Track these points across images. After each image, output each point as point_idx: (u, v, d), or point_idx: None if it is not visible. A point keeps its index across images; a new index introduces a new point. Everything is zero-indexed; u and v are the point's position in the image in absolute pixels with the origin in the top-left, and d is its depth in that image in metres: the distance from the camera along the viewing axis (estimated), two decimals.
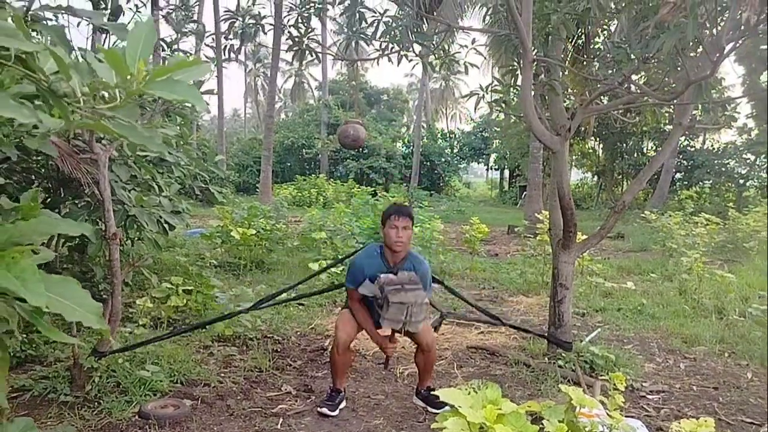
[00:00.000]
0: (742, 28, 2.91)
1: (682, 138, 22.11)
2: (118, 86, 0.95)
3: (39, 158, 4.74)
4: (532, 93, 4.28)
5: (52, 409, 3.32)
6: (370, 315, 3.62)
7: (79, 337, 3.97)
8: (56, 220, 1.36)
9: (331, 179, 25.84)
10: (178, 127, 6.17)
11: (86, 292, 1.13)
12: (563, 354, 4.46)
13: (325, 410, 3.54)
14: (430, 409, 3.67)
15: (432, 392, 3.70)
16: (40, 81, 0.95)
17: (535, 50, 4.46)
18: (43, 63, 0.98)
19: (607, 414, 2.69)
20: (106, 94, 0.95)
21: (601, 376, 4.13)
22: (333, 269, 6.14)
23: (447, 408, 3.57)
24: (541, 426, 2.21)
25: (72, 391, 3.47)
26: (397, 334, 3.56)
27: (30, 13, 1.84)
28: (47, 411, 3.30)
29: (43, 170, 4.98)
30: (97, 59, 0.98)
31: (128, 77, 0.92)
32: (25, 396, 3.47)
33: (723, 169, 20.60)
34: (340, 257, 6.41)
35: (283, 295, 4.50)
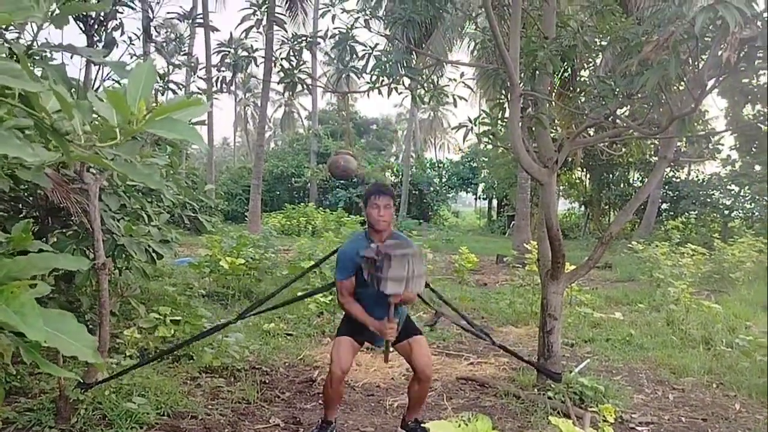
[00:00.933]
0: (723, 65, 3.01)
1: (668, 169, 22.39)
2: (120, 125, 0.98)
3: (27, 187, 4.74)
4: (520, 126, 4.36)
5: None
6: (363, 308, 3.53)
7: (65, 369, 3.91)
8: (54, 255, 1.38)
9: (321, 208, 25.85)
10: (168, 157, 6.20)
11: (82, 326, 1.14)
12: (553, 385, 4.46)
13: None
14: None
15: (421, 425, 3.68)
16: (43, 120, 0.97)
17: (523, 84, 4.54)
18: (46, 101, 1.01)
19: None
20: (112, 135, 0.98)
21: (591, 407, 4.14)
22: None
23: None
24: None
25: (57, 423, 3.42)
26: (391, 354, 3.54)
27: (31, 51, 1.87)
28: None
29: (31, 199, 4.98)
30: (97, 98, 1.01)
31: (129, 116, 0.95)
32: (10, 429, 3.40)
33: (708, 200, 20.85)
34: (325, 284, 6.30)
35: (270, 303, 4.41)
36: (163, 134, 0.97)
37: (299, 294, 6.10)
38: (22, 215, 5.09)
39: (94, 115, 1.04)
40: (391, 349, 3.52)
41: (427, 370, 3.55)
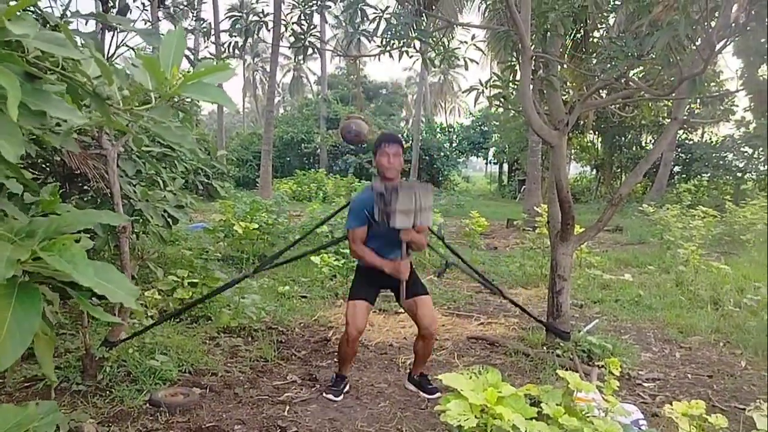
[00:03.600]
0: (733, 25, 3.01)
1: (681, 131, 22.20)
2: (155, 90, 1.04)
3: (45, 153, 4.82)
4: (531, 88, 4.37)
5: (65, 397, 3.42)
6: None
7: (90, 329, 4.06)
8: (96, 211, 1.46)
9: (331, 174, 25.90)
10: (180, 123, 6.27)
11: (124, 276, 1.23)
12: (561, 344, 4.56)
13: (330, 396, 3.70)
14: (422, 394, 3.80)
15: (425, 377, 3.89)
16: (85, 85, 1.04)
17: (534, 46, 4.54)
18: (86, 68, 1.07)
19: (603, 398, 2.79)
20: (149, 98, 1.05)
21: (599, 364, 4.25)
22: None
23: (439, 394, 3.70)
24: (539, 408, 2.31)
25: (84, 380, 3.57)
26: (400, 312, 3.62)
27: (63, 19, 1.92)
28: (61, 399, 3.39)
29: (49, 165, 5.07)
30: (132, 65, 1.08)
31: (163, 81, 1.01)
32: (38, 385, 3.57)
33: (721, 162, 20.70)
34: (335, 238, 6.30)
35: (287, 254, 4.52)
36: (197, 97, 1.03)
37: (312, 258, 6.22)
38: (40, 181, 5.20)
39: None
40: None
41: (431, 327, 3.69)
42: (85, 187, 5.13)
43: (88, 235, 5.04)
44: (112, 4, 3.61)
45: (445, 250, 4.89)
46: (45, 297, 1.28)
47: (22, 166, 4.80)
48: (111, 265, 1.21)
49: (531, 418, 2.17)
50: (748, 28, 2.89)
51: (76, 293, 1.23)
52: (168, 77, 1.01)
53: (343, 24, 5.21)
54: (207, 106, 58.29)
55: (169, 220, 5.23)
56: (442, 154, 32.08)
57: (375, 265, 3.56)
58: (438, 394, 3.75)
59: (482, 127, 33.31)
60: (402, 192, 3.23)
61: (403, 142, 3.70)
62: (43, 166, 5.09)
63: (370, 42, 5.16)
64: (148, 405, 3.42)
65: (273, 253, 8.40)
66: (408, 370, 4.19)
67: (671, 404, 2.58)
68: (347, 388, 3.84)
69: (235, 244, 8.32)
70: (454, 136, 34.58)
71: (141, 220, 5.41)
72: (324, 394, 3.72)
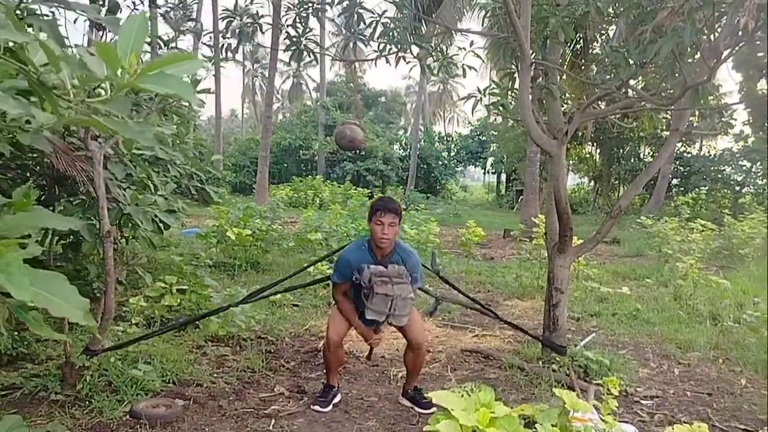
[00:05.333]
0: (740, 33, 2.92)
1: (679, 144, 22.17)
2: (109, 79, 0.94)
3: (34, 155, 4.72)
4: (530, 96, 4.28)
5: (43, 407, 3.30)
6: (356, 308, 3.65)
7: (72, 336, 3.94)
8: (44, 214, 1.35)
9: (328, 181, 25.81)
10: (175, 126, 6.15)
11: (74, 288, 1.12)
12: (557, 358, 4.45)
13: (317, 407, 3.60)
14: (416, 409, 3.69)
15: (419, 392, 3.75)
16: (30, 73, 0.93)
17: (534, 54, 4.45)
18: (33, 55, 0.97)
19: (601, 418, 2.68)
20: (102, 91, 0.95)
21: (595, 380, 4.13)
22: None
23: (434, 409, 3.59)
24: (533, 430, 2.20)
25: (63, 389, 3.45)
26: (388, 328, 3.60)
27: (23, 5, 1.82)
28: (37, 409, 3.28)
29: (38, 167, 4.96)
30: (89, 53, 0.97)
31: (119, 70, 0.91)
32: (16, 394, 3.44)
33: (719, 175, 20.67)
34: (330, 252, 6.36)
35: (272, 289, 4.47)
36: (156, 89, 0.93)
37: (305, 265, 6.11)
38: (29, 183, 5.10)
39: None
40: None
41: (419, 339, 3.66)
42: (75, 191, 5.02)
43: (70, 240, 4.89)
44: (101, 2, 3.51)
45: (435, 286, 4.89)
46: None
47: (10, 167, 4.71)
48: (60, 275, 1.10)
49: None
50: (757, 36, 2.80)
51: (13, 303, 1.11)
52: (125, 66, 0.91)
53: (342, 30, 5.12)
54: (206, 111, 58.23)
55: (160, 224, 5.12)
56: (440, 163, 32.05)
57: (348, 320, 3.66)
58: (433, 409, 3.62)
59: (480, 137, 33.30)
60: (377, 298, 3.35)
61: (401, 209, 3.60)
62: (33, 168, 4.99)
63: (366, 47, 5.07)
64: (128, 417, 3.29)
65: (265, 260, 8.36)
66: (399, 384, 4.07)
67: (670, 424, 2.48)
68: (337, 399, 3.72)
69: (228, 250, 8.20)
70: (453, 146, 34.56)
71: (131, 225, 5.31)
72: (311, 406, 3.61)
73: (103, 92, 0.98)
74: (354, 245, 3.71)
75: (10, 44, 0.97)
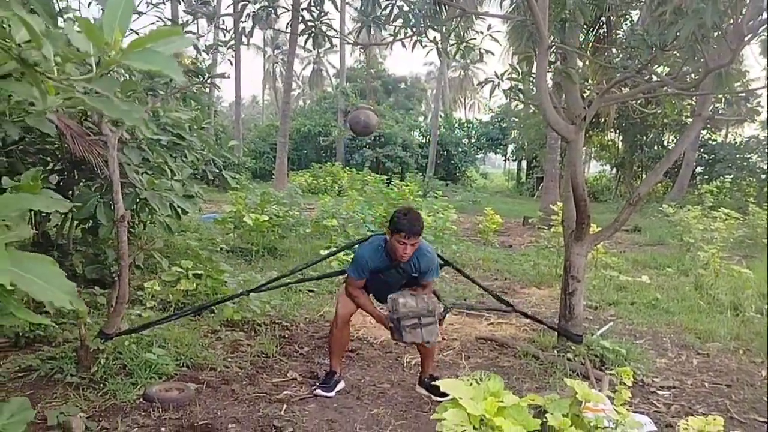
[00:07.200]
0: (765, 15, 2.81)
1: (704, 131, 21.74)
2: (92, 55, 0.92)
3: (53, 140, 4.76)
4: (548, 81, 4.19)
5: (58, 389, 3.33)
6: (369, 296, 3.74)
7: (89, 319, 3.97)
8: (29, 196, 1.33)
9: (347, 167, 25.77)
10: (193, 112, 6.16)
11: (60, 272, 1.10)
12: (573, 347, 4.39)
13: (320, 392, 3.59)
14: (434, 397, 3.64)
15: (435, 381, 3.70)
16: (11, 49, 0.91)
17: (552, 37, 4.35)
18: (15, 32, 0.95)
19: (614, 409, 2.63)
20: (88, 67, 0.92)
21: (611, 370, 4.07)
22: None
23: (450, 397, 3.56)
24: (543, 420, 2.16)
25: (78, 372, 3.49)
26: None
27: None
28: (53, 391, 3.32)
29: (57, 152, 5.00)
30: (75, 30, 0.95)
31: (103, 46, 0.89)
32: (32, 376, 3.49)
33: (745, 163, 20.23)
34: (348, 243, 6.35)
35: (287, 279, 4.47)
36: (141, 66, 0.90)
37: (322, 252, 6.11)
38: (49, 168, 5.15)
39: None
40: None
41: None
42: (92, 175, 5.05)
43: (89, 225, 4.92)
44: None
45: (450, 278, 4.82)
46: None
47: (29, 152, 4.75)
48: (46, 258, 1.08)
49: (534, 431, 2.02)
50: None
51: None
52: (109, 42, 0.88)
53: (359, 14, 5.06)
54: (228, 97, 58.28)
55: (177, 209, 5.13)
56: (460, 149, 31.80)
57: (365, 311, 3.72)
58: (450, 397, 3.60)
59: (501, 124, 32.93)
60: (407, 334, 3.43)
61: (423, 227, 3.54)
62: (54, 153, 5.03)
63: (383, 30, 5.01)
64: (141, 400, 3.32)
65: (282, 246, 8.38)
66: (413, 371, 4.06)
67: (687, 415, 2.43)
68: (340, 384, 3.72)
69: (245, 236, 8.23)
70: (473, 132, 34.24)
71: (148, 210, 5.34)
72: (314, 391, 3.61)
73: (88, 67, 0.95)
74: (371, 245, 3.69)
75: None
